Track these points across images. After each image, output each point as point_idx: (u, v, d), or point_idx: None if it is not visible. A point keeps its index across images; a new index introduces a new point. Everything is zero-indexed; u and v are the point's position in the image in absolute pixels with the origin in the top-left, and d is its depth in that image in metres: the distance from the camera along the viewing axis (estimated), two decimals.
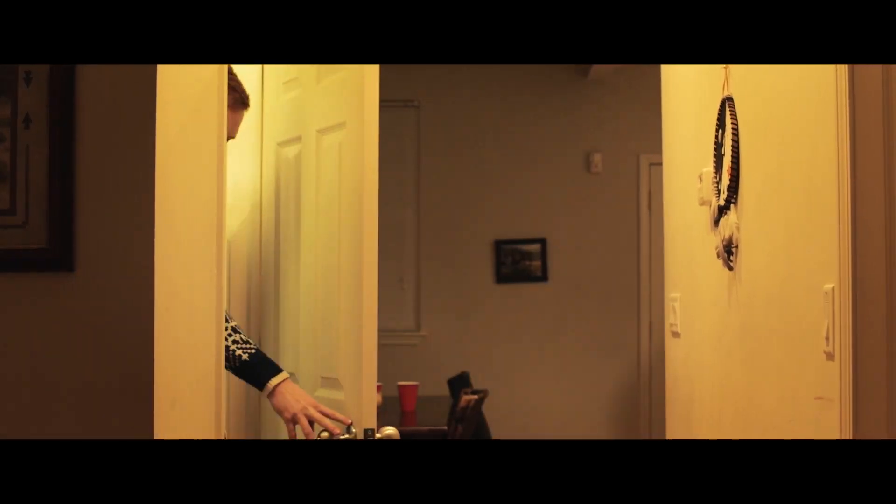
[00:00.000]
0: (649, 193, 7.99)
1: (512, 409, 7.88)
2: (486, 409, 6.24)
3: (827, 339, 2.00)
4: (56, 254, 2.12)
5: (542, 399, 8.02)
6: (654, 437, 7.88)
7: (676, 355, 3.75)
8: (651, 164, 7.92)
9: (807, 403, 2.16)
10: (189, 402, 2.33)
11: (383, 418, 5.40)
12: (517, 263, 8.07)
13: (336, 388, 3.03)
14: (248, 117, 3.48)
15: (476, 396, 5.53)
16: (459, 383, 6.39)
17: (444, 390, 6.77)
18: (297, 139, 3.32)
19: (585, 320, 8.03)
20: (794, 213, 2.28)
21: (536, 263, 8.06)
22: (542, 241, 8.06)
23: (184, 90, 2.36)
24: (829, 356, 2.00)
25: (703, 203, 3.13)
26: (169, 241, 2.24)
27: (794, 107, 2.27)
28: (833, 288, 1.98)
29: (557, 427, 7.95)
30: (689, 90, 3.48)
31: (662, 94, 3.97)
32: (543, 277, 8.06)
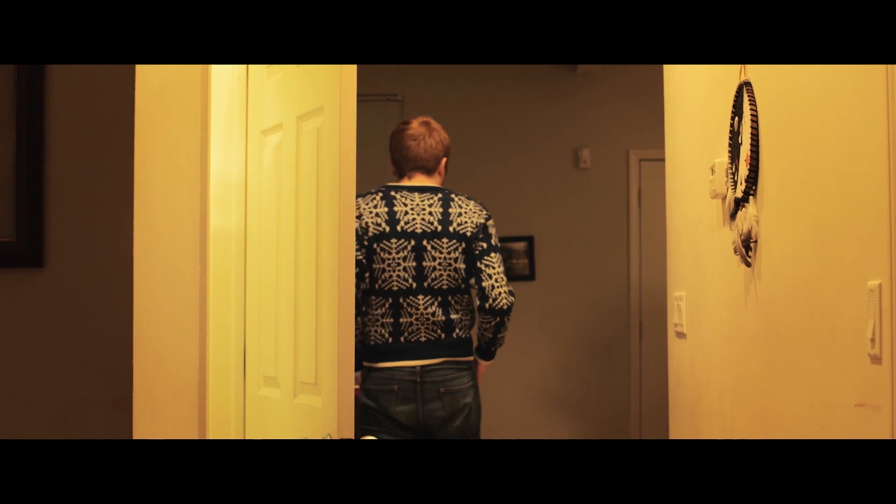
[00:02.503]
0: (639, 189, 7.85)
1: (500, 409, 7.73)
2: None
3: (872, 340, 1.84)
4: (24, 248, 1.94)
5: (530, 400, 7.88)
6: (645, 437, 7.75)
7: (681, 356, 3.60)
8: (641, 160, 7.77)
9: (844, 410, 2.00)
10: (171, 410, 2.15)
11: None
12: (503, 261, 7.91)
13: (315, 393, 2.86)
14: (235, 104, 3.30)
15: None
16: None
17: None
18: (279, 126, 3.14)
19: (574, 319, 7.89)
20: (825, 203, 2.12)
21: (523, 262, 7.90)
22: (529, 239, 7.90)
23: (166, 82, 2.19)
24: (875, 359, 1.84)
25: (715, 196, 2.97)
26: (148, 236, 2.06)
27: (826, 87, 2.11)
28: (879, 284, 1.81)
29: (546, 428, 7.81)
30: (695, 78, 3.32)
31: (665, 83, 3.82)
32: (531, 276, 7.91)
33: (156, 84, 2.15)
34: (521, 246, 7.92)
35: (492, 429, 7.49)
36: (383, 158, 8.09)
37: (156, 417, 2.08)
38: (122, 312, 1.97)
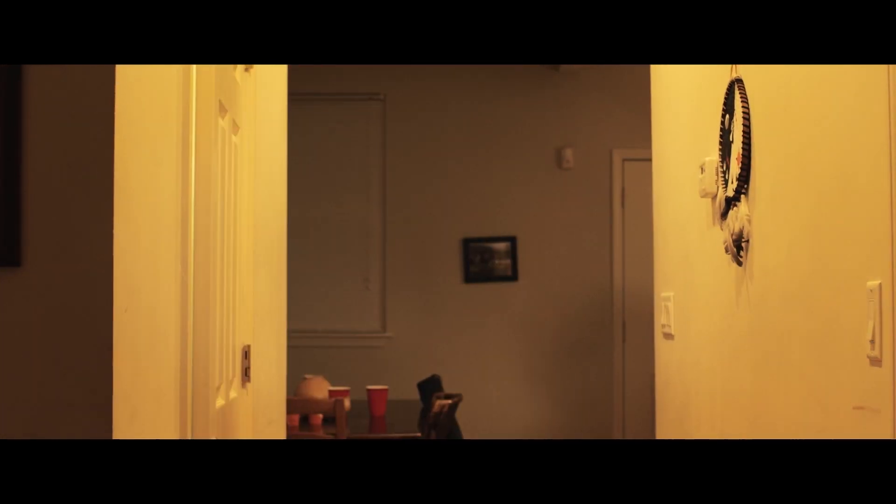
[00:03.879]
0: (622, 189, 7.81)
1: (481, 411, 7.68)
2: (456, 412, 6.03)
3: (871, 342, 1.79)
4: (0, 246, 1.87)
5: (512, 401, 7.83)
6: (629, 438, 7.71)
7: (669, 358, 3.56)
8: (624, 160, 7.73)
9: (842, 413, 1.96)
10: (151, 414, 2.09)
11: (353, 424, 5.19)
12: (486, 262, 7.86)
13: None
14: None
15: (449, 401, 5.31)
16: (430, 387, 6.17)
17: (411, 393, 6.56)
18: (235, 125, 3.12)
19: (557, 320, 7.84)
20: (822, 201, 2.08)
21: (506, 262, 7.86)
22: (512, 240, 7.86)
23: (147, 79, 2.13)
24: (875, 361, 1.79)
25: (704, 195, 2.93)
26: (129, 235, 2.00)
27: (823, 84, 2.07)
28: (879, 284, 1.77)
29: (529, 430, 7.76)
30: (684, 75, 3.28)
31: (652, 80, 3.77)
32: (513, 276, 7.86)
33: (136, 81, 2.09)
34: (503, 246, 7.87)
35: (475, 429, 7.44)
36: (366, 157, 8.03)
37: (135, 422, 2.02)
38: (101, 313, 1.90)
